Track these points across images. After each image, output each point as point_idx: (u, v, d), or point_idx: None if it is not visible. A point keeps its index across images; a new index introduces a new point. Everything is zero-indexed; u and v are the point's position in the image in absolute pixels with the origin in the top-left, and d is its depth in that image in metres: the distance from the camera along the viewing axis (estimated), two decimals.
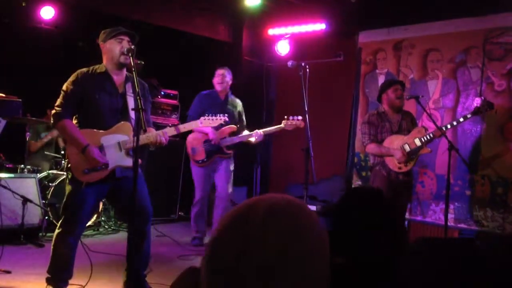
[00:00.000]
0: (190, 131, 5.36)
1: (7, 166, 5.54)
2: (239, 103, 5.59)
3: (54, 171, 5.78)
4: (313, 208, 5.66)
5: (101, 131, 3.41)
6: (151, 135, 3.43)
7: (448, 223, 4.72)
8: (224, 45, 7.52)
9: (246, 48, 7.53)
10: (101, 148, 3.39)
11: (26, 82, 5.68)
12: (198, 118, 3.99)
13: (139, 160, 3.10)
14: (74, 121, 3.42)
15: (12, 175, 5.25)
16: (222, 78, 5.42)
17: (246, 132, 5.39)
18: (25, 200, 4.91)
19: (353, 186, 6.39)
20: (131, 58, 3.30)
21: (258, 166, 5.59)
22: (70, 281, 3.49)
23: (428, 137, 4.55)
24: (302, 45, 6.95)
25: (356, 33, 6.56)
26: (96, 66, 3.49)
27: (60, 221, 3.42)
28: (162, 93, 6.89)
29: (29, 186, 5.21)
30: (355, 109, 6.55)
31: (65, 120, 3.36)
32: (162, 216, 6.40)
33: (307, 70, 4.50)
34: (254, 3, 6.69)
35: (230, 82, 5.50)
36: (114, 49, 3.42)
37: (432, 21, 5.85)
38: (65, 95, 3.38)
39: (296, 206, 0.94)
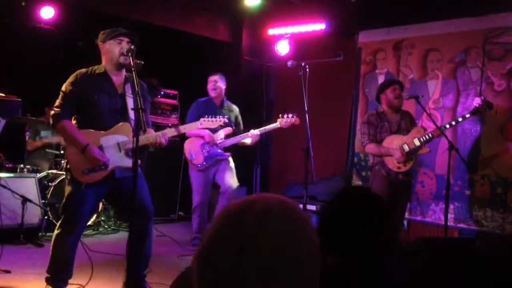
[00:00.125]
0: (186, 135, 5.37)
1: (6, 165, 5.54)
2: (235, 108, 5.60)
3: (54, 171, 5.78)
4: (312, 208, 5.66)
5: (100, 131, 3.40)
6: (150, 136, 3.43)
7: (448, 223, 4.73)
8: (224, 45, 7.52)
9: (246, 48, 7.53)
10: (100, 148, 3.39)
11: (25, 82, 5.67)
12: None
13: (139, 161, 3.10)
14: (73, 122, 3.42)
15: (11, 174, 5.25)
16: (215, 84, 5.43)
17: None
18: (25, 200, 4.91)
19: (348, 186, 6.40)
20: (130, 58, 3.29)
21: (258, 166, 5.59)
22: (70, 281, 3.49)
23: (427, 137, 4.56)
24: (302, 45, 6.95)
25: (356, 33, 6.56)
26: (95, 67, 3.49)
27: (60, 221, 3.42)
28: (162, 93, 6.89)
29: (28, 185, 5.20)
30: (355, 109, 6.55)
31: (65, 121, 3.35)
32: (162, 216, 6.40)
33: (307, 70, 4.50)
34: (254, 3, 6.69)
35: (223, 88, 5.50)
36: (114, 50, 3.42)
37: (432, 21, 5.85)
38: (64, 96, 3.38)
39: (290, 206, 0.94)
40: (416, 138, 4.59)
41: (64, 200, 3.42)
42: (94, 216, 5.66)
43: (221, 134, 5.31)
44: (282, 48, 7.06)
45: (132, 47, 3.35)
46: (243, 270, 0.85)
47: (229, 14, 7.38)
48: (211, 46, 7.35)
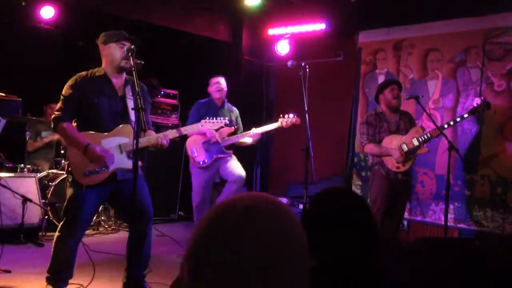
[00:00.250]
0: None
1: (7, 165, 5.54)
2: (235, 110, 5.60)
3: (54, 171, 5.78)
4: None
5: (101, 134, 3.39)
6: (152, 137, 3.43)
7: (448, 223, 4.73)
8: (224, 45, 7.52)
9: (246, 48, 7.53)
10: None
11: (26, 82, 5.67)
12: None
13: (139, 162, 3.10)
14: (74, 125, 3.41)
15: (12, 174, 5.25)
16: (219, 85, 5.43)
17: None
18: (25, 200, 4.91)
19: (352, 186, 6.40)
20: (131, 58, 3.29)
21: (258, 166, 5.59)
22: (70, 281, 3.49)
23: (426, 137, 4.58)
24: (302, 45, 6.95)
25: (356, 33, 6.56)
26: (95, 70, 3.48)
27: (61, 223, 3.42)
28: (162, 92, 6.89)
29: (29, 185, 5.21)
30: (355, 109, 6.55)
31: (65, 123, 3.35)
32: (162, 216, 6.40)
33: (307, 70, 4.51)
34: (254, 3, 6.69)
35: (226, 89, 5.51)
36: (115, 53, 3.41)
37: (432, 21, 5.85)
38: (64, 99, 3.37)
39: (276, 202, 0.94)
40: (415, 138, 4.60)
41: (65, 203, 3.41)
42: (95, 216, 5.66)
43: (223, 132, 5.31)
44: (282, 48, 7.07)
45: (132, 46, 3.34)
46: (233, 266, 0.85)
47: (229, 14, 7.39)
48: (211, 46, 7.36)
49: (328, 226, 1.48)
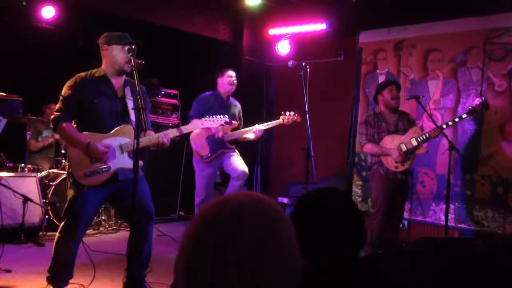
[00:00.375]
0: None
1: (7, 165, 5.54)
2: (238, 104, 5.62)
3: (55, 170, 5.79)
4: None
5: (102, 134, 3.39)
6: (152, 137, 3.43)
7: (449, 223, 4.73)
8: (224, 45, 7.52)
9: (247, 47, 7.53)
10: None
11: (26, 81, 5.67)
12: (200, 117, 3.99)
13: (140, 162, 3.10)
14: (74, 125, 3.41)
15: (12, 174, 5.26)
16: (232, 78, 5.41)
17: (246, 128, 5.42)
18: (26, 199, 4.91)
19: (353, 185, 6.40)
20: (131, 57, 3.29)
21: (258, 165, 5.58)
22: (70, 280, 3.49)
23: (424, 137, 4.60)
24: (302, 45, 6.95)
25: (357, 33, 6.56)
26: (94, 70, 3.47)
27: (62, 224, 3.42)
28: (163, 92, 6.89)
29: (29, 185, 5.21)
30: (355, 109, 6.55)
31: (65, 123, 3.35)
32: (162, 215, 6.39)
33: (308, 70, 4.51)
34: (254, 3, 6.68)
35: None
36: (119, 56, 3.39)
37: (432, 21, 5.84)
38: (64, 100, 3.37)
39: (266, 201, 0.95)
40: (414, 138, 4.63)
41: (66, 204, 3.41)
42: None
43: (226, 127, 5.31)
44: (283, 48, 7.06)
45: (133, 46, 3.33)
46: (223, 266, 0.85)
47: (230, 14, 7.39)
48: (212, 46, 7.36)
49: (310, 228, 1.46)
